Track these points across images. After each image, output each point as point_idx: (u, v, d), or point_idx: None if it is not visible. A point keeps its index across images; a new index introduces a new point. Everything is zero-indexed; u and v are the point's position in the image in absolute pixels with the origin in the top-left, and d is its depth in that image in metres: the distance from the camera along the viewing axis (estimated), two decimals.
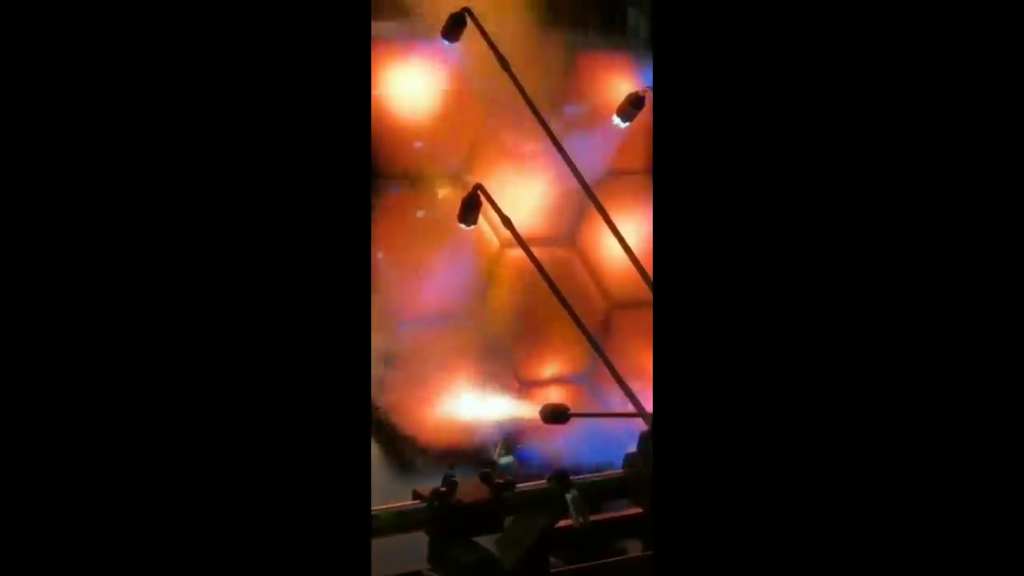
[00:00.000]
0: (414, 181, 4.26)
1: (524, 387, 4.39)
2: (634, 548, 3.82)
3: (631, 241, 4.11)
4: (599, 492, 3.82)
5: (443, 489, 3.56)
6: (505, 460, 4.23)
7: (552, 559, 3.70)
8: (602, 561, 3.74)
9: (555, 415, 3.79)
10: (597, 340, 4.04)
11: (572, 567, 3.72)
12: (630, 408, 3.87)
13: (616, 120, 4.17)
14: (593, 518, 3.63)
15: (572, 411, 3.82)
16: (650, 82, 4.33)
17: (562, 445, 4.16)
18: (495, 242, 4.33)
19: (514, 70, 4.05)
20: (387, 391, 4.18)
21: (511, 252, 4.23)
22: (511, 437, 4.29)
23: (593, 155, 4.33)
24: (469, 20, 4.01)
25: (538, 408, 3.86)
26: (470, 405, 4.21)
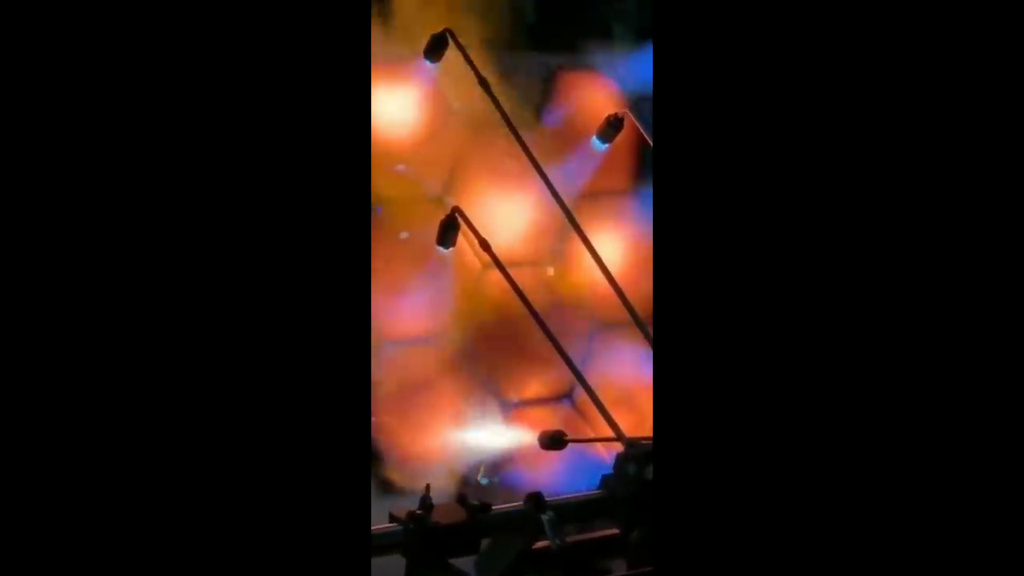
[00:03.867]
0: (396, 203, 4.27)
1: (507, 408, 4.39)
2: (611, 568, 3.81)
3: (612, 261, 4.12)
4: (575, 513, 3.81)
5: (419, 511, 3.55)
6: (487, 481, 4.24)
7: None
8: None
9: (553, 441, 3.81)
10: (579, 361, 4.06)
11: None
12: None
13: (595, 142, 4.19)
14: (570, 539, 3.63)
15: (569, 436, 3.84)
16: (630, 103, 4.36)
17: (544, 467, 4.16)
18: (478, 264, 4.34)
19: (494, 90, 4.08)
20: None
21: (494, 273, 4.23)
22: (493, 459, 4.30)
23: (573, 176, 4.34)
24: (450, 41, 4.05)
25: (521, 429, 3.87)
26: (452, 426, 4.21)
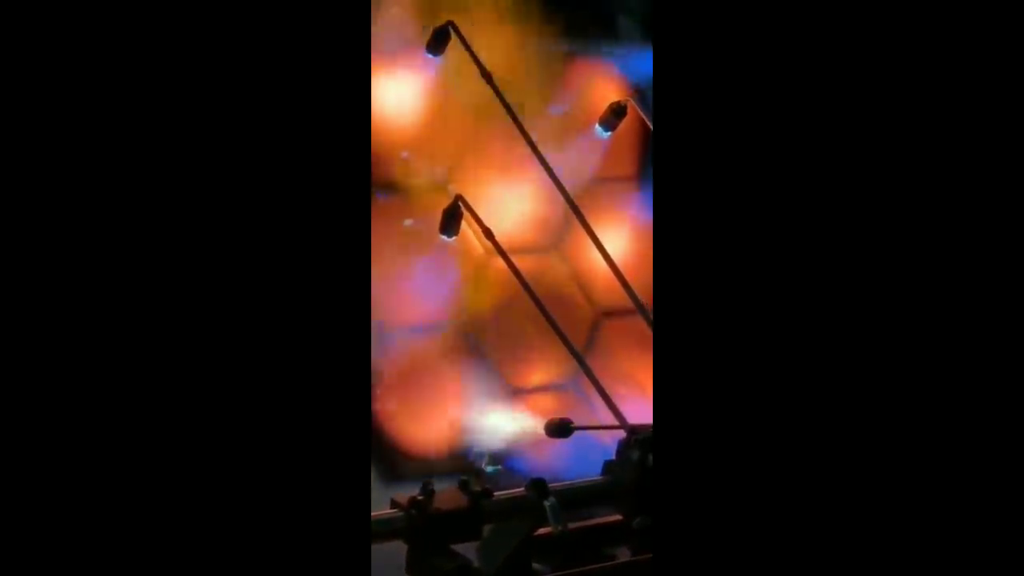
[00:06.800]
0: (400, 190, 4.28)
1: (512, 395, 4.39)
2: (614, 554, 3.81)
3: (616, 249, 4.12)
4: (578, 499, 3.81)
5: (420, 497, 3.56)
6: (492, 469, 4.24)
7: (536, 566, 3.71)
8: (583, 568, 3.73)
9: (559, 429, 3.82)
10: (583, 348, 4.06)
11: (554, 575, 3.72)
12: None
13: (598, 129, 4.19)
14: (572, 525, 3.64)
15: (575, 425, 3.84)
16: (634, 90, 4.35)
17: (548, 453, 4.16)
18: (481, 251, 4.33)
19: (499, 80, 4.07)
20: (373, 400, 4.19)
21: (498, 260, 4.23)
22: (497, 446, 4.30)
23: (577, 163, 4.33)
24: (453, 34, 4.04)
25: (525, 416, 3.86)
26: (456, 414, 4.22)
